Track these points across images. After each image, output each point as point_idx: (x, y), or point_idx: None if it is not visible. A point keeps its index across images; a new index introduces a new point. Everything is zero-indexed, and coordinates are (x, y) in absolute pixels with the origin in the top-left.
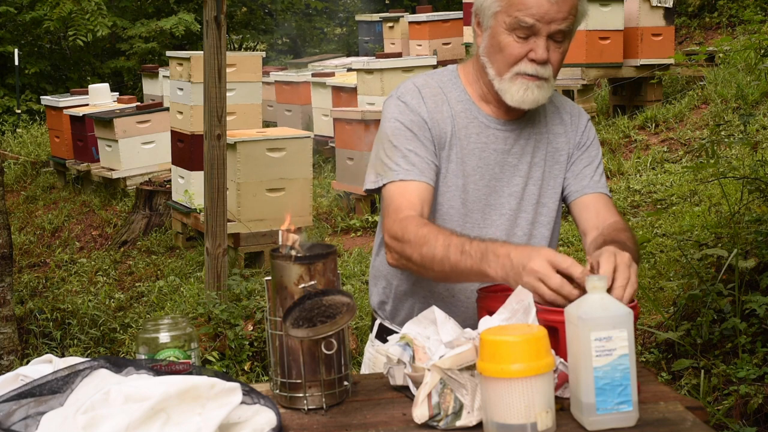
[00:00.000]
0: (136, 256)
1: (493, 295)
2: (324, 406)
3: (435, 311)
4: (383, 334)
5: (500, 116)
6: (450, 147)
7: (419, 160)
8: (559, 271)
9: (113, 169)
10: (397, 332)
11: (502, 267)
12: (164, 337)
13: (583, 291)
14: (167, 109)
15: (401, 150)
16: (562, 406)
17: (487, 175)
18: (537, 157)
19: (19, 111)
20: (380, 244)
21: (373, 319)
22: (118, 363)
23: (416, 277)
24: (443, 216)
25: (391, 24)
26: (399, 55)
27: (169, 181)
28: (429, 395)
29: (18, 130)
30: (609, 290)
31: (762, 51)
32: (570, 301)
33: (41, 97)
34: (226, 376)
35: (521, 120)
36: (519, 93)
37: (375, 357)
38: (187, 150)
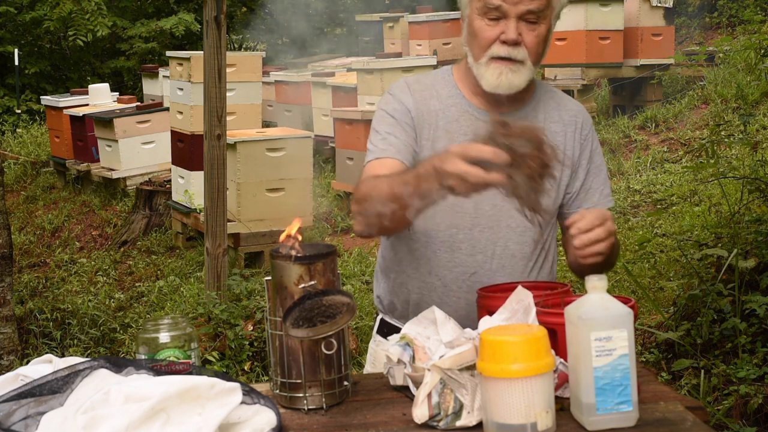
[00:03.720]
0: (136, 256)
1: (493, 295)
2: (324, 406)
3: (435, 311)
4: (384, 329)
5: (491, 109)
6: (435, 140)
7: (397, 141)
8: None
9: (113, 169)
10: (396, 326)
11: (426, 179)
12: (164, 337)
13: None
14: (167, 109)
15: (381, 133)
16: (562, 406)
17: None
18: None
19: (19, 111)
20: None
21: (376, 315)
22: (118, 363)
23: (411, 269)
24: (433, 208)
25: (391, 24)
26: (399, 55)
27: (169, 181)
28: (429, 395)
29: (18, 130)
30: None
31: (762, 51)
32: (480, 181)
33: (41, 97)
34: (226, 376)
35: (515, 113)
36: (493, 78)
37: (376, 352)
38: (187, 150)
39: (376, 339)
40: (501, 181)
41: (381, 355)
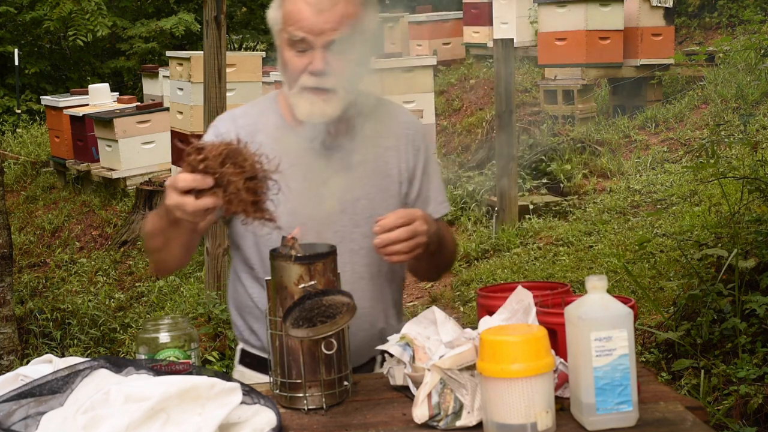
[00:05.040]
0: (136, 256)
1: (493, 295)
2: (324, 406)
3: (435, 311)
4: (246, 359)
5: (320, 135)
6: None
7: None
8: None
9: (113, 169)
10: (259, 356)
11: (166, 210)
12: (164, 337)
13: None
14: (167, 109)
15: None
16: (562, 406)
17: (314, 195)
18: (365, 171)
19: (19, 111)
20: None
21: (236, 344)
22: (118, 363)
23: (263, 304)
24: (274, 241)
25: (391, 24)
26: (399, 55)
27: None
28: (429, 395)
29: (18, 130)
30: None
31: (762, 51)
32: (197, 209)
33: (41, 97)
34: (226, 376)
35: (344, 136)
36: (306, 108)
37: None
38: None
39: (238, 370)
40: (215, 203)
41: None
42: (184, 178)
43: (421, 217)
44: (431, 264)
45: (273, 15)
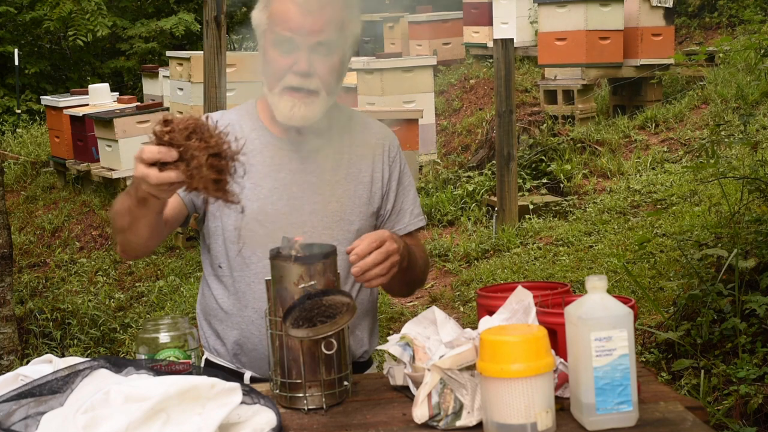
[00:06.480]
0: None
1: (493, 295)
2: (324, 406)
3: (435, 311)
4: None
5: (294, 137)
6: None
7: None
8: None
9: (113, 169)
10: (222, 365)
11: (136, 187)
12: (164, 337)
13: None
14: (167, 109)
15: None
16: (562, 406)
17: (284, 195)
18: (338, 176)
19: (19, 111)
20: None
21: (201, 354)
22: (118, 363)
23: (228, 306)
24: (243, 240)
25: (391, 24)
26: (399, 55)
27: None
28: (429, 395)
29: (18, 130)
30: None
31: (762, 51)
32: (160, 181)
33: (41, 97)
34: (226, 376)
35: (319, 140)
36: (286, 110)
37: None
38: None
39: None
40: (177, 177)
41: None
42: (150, 150)
43: (389, 237)
44: (403, 281)
45: (258, 15)
